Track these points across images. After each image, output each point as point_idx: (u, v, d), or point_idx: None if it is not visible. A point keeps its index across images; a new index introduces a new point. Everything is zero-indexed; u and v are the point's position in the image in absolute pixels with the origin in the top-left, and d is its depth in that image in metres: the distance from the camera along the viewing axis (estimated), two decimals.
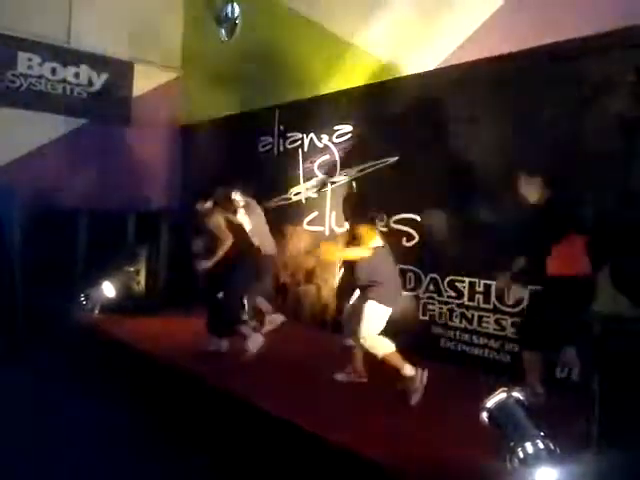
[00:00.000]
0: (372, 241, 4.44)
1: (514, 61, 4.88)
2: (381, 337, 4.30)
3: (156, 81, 8.71)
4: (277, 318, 6.09)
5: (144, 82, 8.58)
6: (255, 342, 4.96)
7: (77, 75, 8.13)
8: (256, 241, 5.63)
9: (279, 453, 3.70)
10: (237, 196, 5.88)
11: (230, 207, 5.49)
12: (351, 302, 4.82)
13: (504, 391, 3.17)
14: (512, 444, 3.00)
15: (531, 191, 4.24)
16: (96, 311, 6.69)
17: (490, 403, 3.14)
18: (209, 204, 5.35)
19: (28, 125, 7.71)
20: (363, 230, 4.45)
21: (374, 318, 4.30)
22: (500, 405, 3.13)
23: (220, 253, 5.07)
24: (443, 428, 3.70)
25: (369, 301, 4.33)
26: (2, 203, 6.96)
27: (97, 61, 8.22)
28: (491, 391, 3.12)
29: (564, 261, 4.09)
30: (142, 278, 6.84)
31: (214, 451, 3.99)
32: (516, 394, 3.15)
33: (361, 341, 4.30)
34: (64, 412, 4.66)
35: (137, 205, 7.91)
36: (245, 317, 5.51)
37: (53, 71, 7.98)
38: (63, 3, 7.93)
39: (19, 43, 7.70)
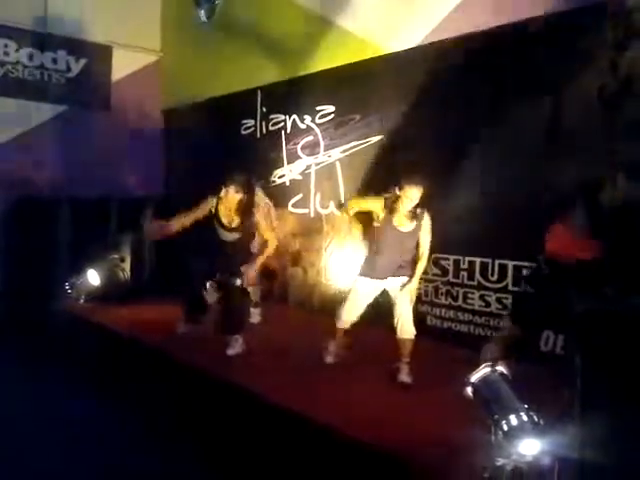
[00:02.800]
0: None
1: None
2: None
3: (135, 65, 8.56)
4: (256, 316, 6.00)
5: (123, 66, 8.43)
6: (240, 343, 4.80)
7: (55, 61, 7.98)
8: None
9: (264, 435, 3.72)
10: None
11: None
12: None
13: (488, 365, 3.19)
14: (496, 417, 3.02)
15: None
16: (81, 299, 6.63)
17: (474, 377, 3.15)
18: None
19: (6, 113, 7.58)
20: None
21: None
22: (484, 379, 3.15)
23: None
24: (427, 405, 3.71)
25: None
26: None
27: (75, 46, 8.06)
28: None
29: (561, 241, 4.10)
30: (127, 265, 6.77)
31: (202, 437, 4.00)
32: (500, 368, 3.17)
33: (403, 322, 4.27)
34: (47, 400, 4.65)
35: (121, 191, 7.82)
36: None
37: (30, 57, 7.83)
38: None
39: None
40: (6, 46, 7.64)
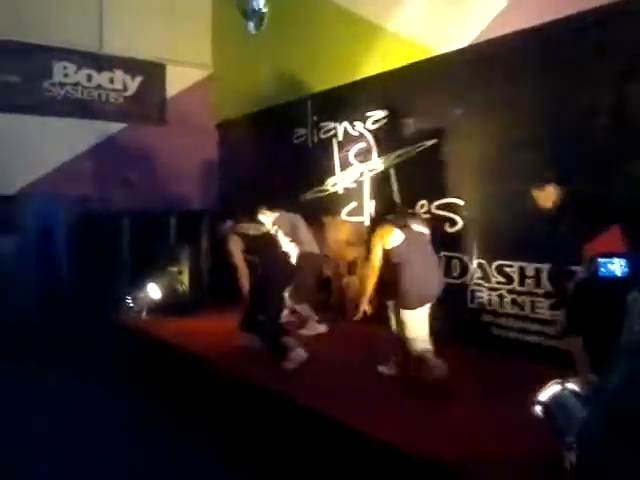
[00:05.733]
0: (387, 243, 4.24)
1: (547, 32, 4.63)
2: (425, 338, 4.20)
3: (189, 80, 8.73)
4: (320, 327, 5.97)
5: (177, 82, 8.62)
6: (296, 357, 4.74)
7: (112, 80, 8.24)
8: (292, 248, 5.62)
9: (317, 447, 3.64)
10: (263, 216, 5.81)
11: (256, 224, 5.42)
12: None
13: (558, 382, 3.00)
14: (569, 438, 2.84)
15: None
16: (143, 313, 6.76)
17: (543, 396, 2.97)
18: (229, 224, 5.25)
19: (68, 133, 7.84)
20: (376, 236, 4.27)
21: (412, 323, 4.19)
22: (554, 398, 2.96)
23: (243, 282, 5.04)
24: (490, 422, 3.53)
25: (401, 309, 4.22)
26: (48, 211, 7.14)
27: (130, 65, 8.31)
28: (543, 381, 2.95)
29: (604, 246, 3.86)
30: (185, 278, 6.86)
31: (258, 451, 3.95)
32: (571, 385, 2.97)
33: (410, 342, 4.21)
34: (110, 412, 4.72)
35: (178, 205, 7.97)
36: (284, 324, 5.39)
37: (88, 78, 8.10)
38: (94, 9, 8.02)
39: (53, 52, 7.84)
40: (65, 68, 7.94)
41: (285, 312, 5.71)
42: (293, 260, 5.71)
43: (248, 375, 4.61)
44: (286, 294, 5.60)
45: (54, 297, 6.94)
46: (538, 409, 2.96)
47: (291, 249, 5.83)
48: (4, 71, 7.52)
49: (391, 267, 4.24)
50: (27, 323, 6.46)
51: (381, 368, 4.50)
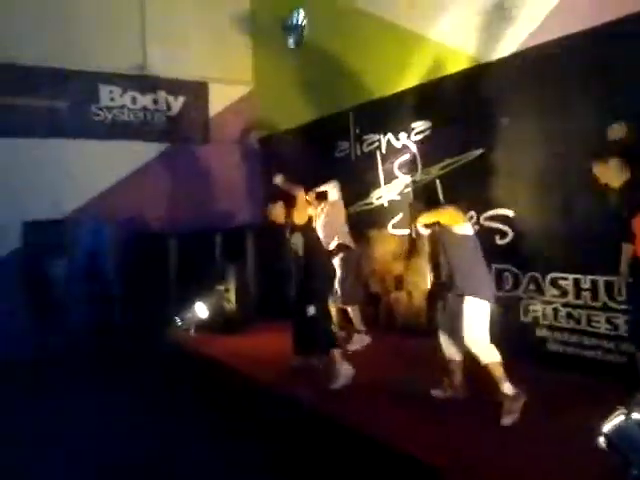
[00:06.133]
0: (460, 225, 4.05)
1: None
2: (488, 343, 3.94)
3: (231, 97, 8.78)
4: (364, 339, 5.88)
5: (219, 100, 8.69)
6: (345, 375, 4.66)
7: (155, 101, 8.37)
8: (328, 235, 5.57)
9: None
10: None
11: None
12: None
13: (622, 413, 2.82)
14: (635, 472, 2.66)
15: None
16: (191, 331, 6.82)
17: (607, 427, 2.80)
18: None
19: (116, 154, 7.99)
20: (449, 211, 4.09)
21: (476, 316, 3.92)
22: (618, 429, 2.78)
23: None
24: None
25: (466, 297, 3.95)
26: (97, 234, 7.31)
27: (173, 86, 8.42)
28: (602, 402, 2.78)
29: None
30: (232, 296, 6.87)
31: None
32: (636, 415, 2.79)
33: (467, 345, 3.95)
34: (160, 430, 4.73)
35: (223, 222, 8.02)
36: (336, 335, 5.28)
37: (133, 100, 8.26)
38: (136, 31, 8.17)
39: (99, 77, 8.03)
40: (111, 92, 8.11)
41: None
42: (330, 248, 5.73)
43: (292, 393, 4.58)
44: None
45: (105, 317, 7.08)
46: (602, 440, 2.80)
47: (328, 237, 5.79)
48: (52, 97, 7.72)
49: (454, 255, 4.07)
50: (81, 343, 6.60)
51: (435, 392, 4.32)
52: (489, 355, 3.88)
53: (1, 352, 6.31)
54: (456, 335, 4.09)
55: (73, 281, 7.11)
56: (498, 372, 3.85)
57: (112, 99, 8.11)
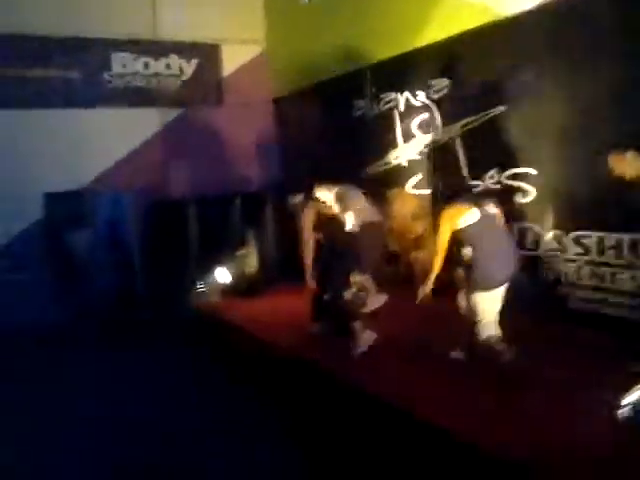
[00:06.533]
0: (457, 224, 4.04)
1: None
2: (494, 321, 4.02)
3: (243, 58, 8.62)
4: (381, 298, 5.90)
5: (232, 61, 8.55)
6: (365, 341, 4.75)
7: (168, 66, 8.25)
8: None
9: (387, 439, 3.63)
10: (322, 194, 5.60)
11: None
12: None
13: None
14: None
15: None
16: (215, 296, 6.91)
17: (626, 401, 2.84)
18: (300, 198, 5.19)
19: (131, 122, 7.96)
20: (444, 216, 4.08)
21: (486, 307, 4.01)
22: (638, 404, 2.82)
23: (307, 255, 5.02)
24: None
25: (476, 293, 4.02)
26: (115, 204, 7.35)
27: (185, 49, 8.29)
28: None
29: None
30: (253, 259, 6.93)
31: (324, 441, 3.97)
32: None
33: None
34: (185, 396, 4.86)
35: (240, 185, 8.00)
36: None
37: (146, 66, 8.15)
38: None
39: (110, 44, 7.92)
40: (123, 59, 8.01)
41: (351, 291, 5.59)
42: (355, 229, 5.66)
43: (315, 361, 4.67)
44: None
45: (127, 285, 7.18)
46: (621, 413, 2.84)
47: (351, 221, 5.74)
48: (64, 67, 7.66)
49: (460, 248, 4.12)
50: (105, 312, 6.73)
51: (454, 354, 4.39)
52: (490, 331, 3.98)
53: (26, 320, 6.48)
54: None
55: (94, 251, 7.19)
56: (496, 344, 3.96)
57: (124, 65, 8.01)
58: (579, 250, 4.95)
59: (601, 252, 4.79)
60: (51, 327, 6.50)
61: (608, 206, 4.59)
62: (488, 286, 4.01)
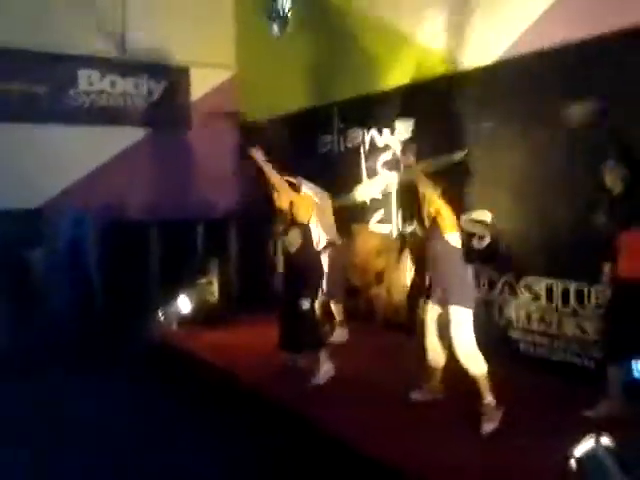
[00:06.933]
0: (453, 233, 4.17)
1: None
2: (476, 352, 4.08)
3: (213, 82, 8.65)
4: (343, 335, 6.05)
5: (201, 84, 8.56)
6: (326, 373, 4.86)
7: (137, 86, 8.22)
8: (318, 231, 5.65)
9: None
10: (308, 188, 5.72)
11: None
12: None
13: (592, 438, 3.01)
14: None
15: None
16: (174, 325, 6.87)
17: (578, 452, 2.99)
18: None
19: (95, 140, 7.86)
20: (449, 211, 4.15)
21: (463, 326, 4.06)
22: (589, 455, 2.98)
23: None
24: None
25: (453, 307, 4.07)
26: (75, 223, 7.25)
27: (154, 70, 8.27)
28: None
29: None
30: (215, 288, 6.95)
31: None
32: (605, 441, 2.99)
33: (458, 356, 4.09)
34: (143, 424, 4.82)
35: (204, 212, 8.00)
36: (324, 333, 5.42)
37: (113, 84, 8.09)
38: (116, 15, 7.94)
39: (78, 60, 7.84)
40: (90, 76, 7.93)
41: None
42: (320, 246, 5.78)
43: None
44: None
45: (85, 308, 7.06)
46: (572, 464, 3.00)
47: (322, 236, 5.87)
48: (30, 82, 7.54)
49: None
50: (62, 337, 6.57)
51: (415, 395, 4.47)
52: (478, 366, 4.03)
53: None
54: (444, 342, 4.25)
55: (52, 271, 7.07)
56: (484, 383, 4.02)
57: (90, 84, 7.93)
58: (529, 295, 5.18)
59: (549, 299, 5.04)
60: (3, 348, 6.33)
61: (558, 253, 4.83)
62: (467, 302, 4.12)
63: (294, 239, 5.02)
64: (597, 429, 3.00)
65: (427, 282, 4.59)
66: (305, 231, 5.12)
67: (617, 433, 2.93)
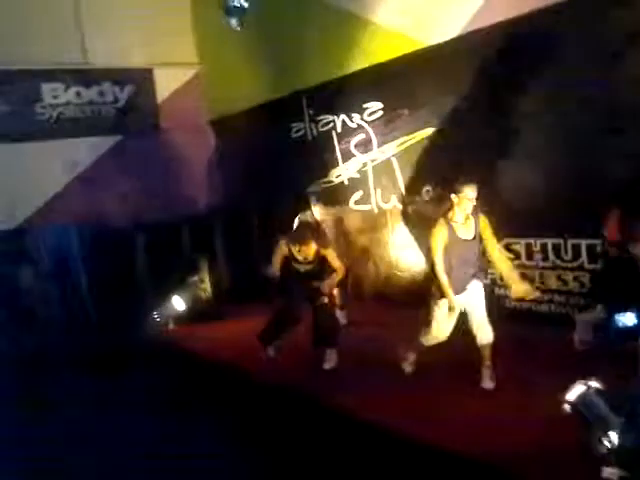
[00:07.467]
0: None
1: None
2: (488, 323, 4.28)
3: (178, 81, 8.64)
4: (342, 317, 6.22)
5: (166, 84, 8.54)
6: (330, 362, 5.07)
7: (101, 94, 8.19)
8: None
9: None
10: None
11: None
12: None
13: (583, 383, 3.26)
14: (598, 435, 3.11)
15: None
16: (170, 324, 7.00)
17: (571, 396, 3.23)
18: None
19: (65, 153, 7.82)
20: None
21: (480, 298, 4.25)
22: (581, 398, 3.22)
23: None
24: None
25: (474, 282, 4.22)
26: (58, 239, 7.26)
27: (117, 75, 8.24)
28: None
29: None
30: (207, 285, 7.07)
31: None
32: (594, 384, 3.23)
33: (472, 325, 4.26)
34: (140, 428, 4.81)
35: (186, 208, 8.05)
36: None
37: (78, 94, 8.05)
38: (72, 23, 7.86)
39: (39, 75, 7.78)
40: (54, 90, 7.87)
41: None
42: None
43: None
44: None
45: (77, 318, 7.11)
46: (567, 407, 3.25)
47: None
48: None
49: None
50: (52, 344, 6.60)
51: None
52: (487, 336, 4.24)
53: None
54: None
55: (41, 288, 7.10)
56: (488, 351, 4.27)
57: (55, 97, 7.88)
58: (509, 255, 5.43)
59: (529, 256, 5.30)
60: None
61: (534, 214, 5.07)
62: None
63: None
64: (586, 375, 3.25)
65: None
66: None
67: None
